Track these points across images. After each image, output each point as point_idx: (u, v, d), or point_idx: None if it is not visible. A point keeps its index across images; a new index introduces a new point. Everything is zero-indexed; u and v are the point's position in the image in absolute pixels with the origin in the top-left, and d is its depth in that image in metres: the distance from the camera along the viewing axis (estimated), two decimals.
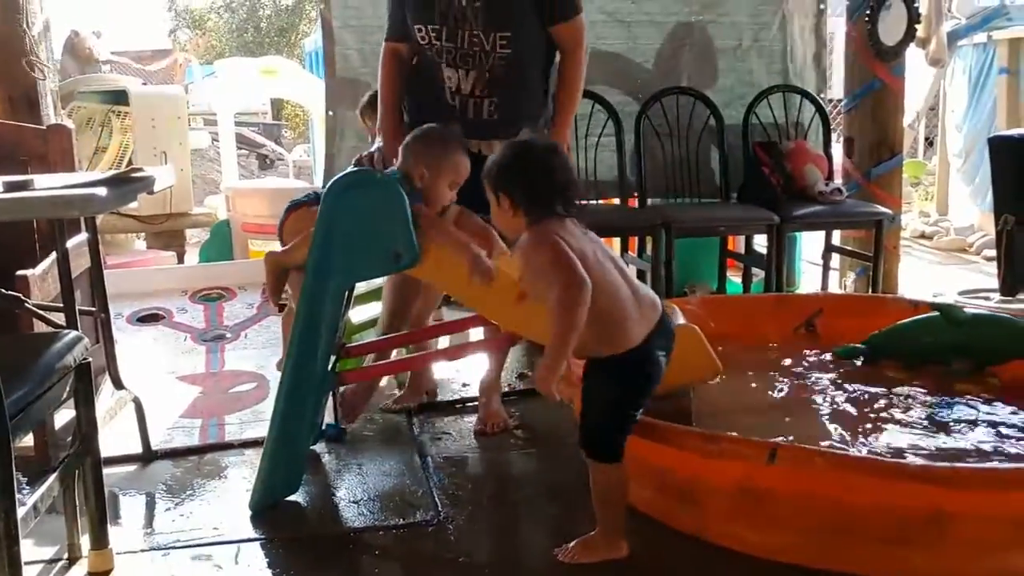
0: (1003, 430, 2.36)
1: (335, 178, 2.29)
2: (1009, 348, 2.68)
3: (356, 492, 2.42)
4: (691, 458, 2.05)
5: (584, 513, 2.32)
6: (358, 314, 3.38)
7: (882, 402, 2.56)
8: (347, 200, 2.19)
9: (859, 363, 2.85)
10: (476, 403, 3.07)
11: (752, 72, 4.12)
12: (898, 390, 2.64)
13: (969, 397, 2.57)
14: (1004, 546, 1.87)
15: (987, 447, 2.26)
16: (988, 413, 2.46)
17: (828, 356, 2.90)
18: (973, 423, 2.40)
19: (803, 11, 4.18)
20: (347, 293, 2.44)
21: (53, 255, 2.54)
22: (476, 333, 3.00)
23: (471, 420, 2.92)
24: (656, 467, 2.17)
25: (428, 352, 3.09)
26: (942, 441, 2.30)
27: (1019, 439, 2.30)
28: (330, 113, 3.95)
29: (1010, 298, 4.05)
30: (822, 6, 4.20)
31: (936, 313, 2.77)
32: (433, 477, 2.49)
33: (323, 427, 2.70)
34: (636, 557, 2.08)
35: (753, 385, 2.72)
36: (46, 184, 2.31)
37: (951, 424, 2.40)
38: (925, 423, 2.41)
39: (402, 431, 2.86)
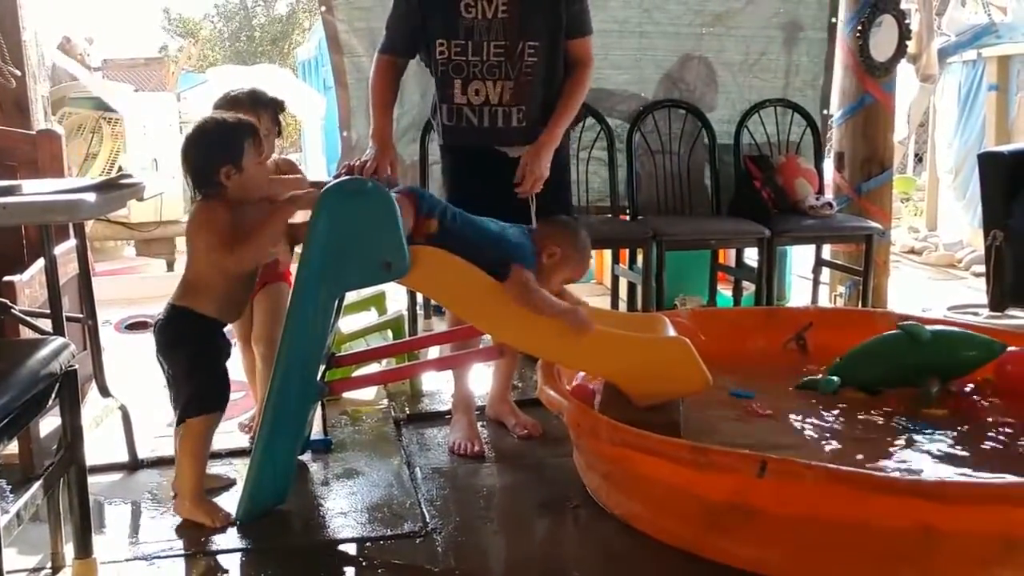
0: (974, 449, 2.35)
1: (326, 186, 2.28)
2: (969, 360, 2.68)
3: (343, 503, 2.41)
4: (680, 470, 2.04)
5: (573, 524, 2.32)
6: (348, 324, 3.37)
7: (858, 423, 2.53)
8: (339, 209, 2.18)
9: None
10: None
11: (752, 88, 4.12)
12: (869, 414, 2.60)
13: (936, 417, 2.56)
14: (993, 561, 1.86)
15: (961, 465, 2.27)
16: (958, 434, 2.45)
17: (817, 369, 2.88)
18: (945, 443, 2.39)
19: (815, 27, 4.17)
20: (337, 302, 2.43)
21: (41, 261, 2.52)
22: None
23: None
24: (646, 479, 2.16)
25: (418, 362, 3.09)
26: (919, 460, 2.29)
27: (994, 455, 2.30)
28: (344, 134, 3.71)
29: (999, 313, 4.06)
30: (833, 20, 4.17)
31: (896, 332, 2.72)
32: (421, 488, 2.48)
33: (311, 437, 2.69)
34: (625, 572, 2.07)
35: (744, 399, 2.71)
36: (34, 190, 2.30)
37: (926, 444, 2.39)
38: (905, 444, 2.40)
39: (390, 442, 2.85)
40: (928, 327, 2.71)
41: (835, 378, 2.73)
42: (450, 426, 2.82)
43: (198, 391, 2.25)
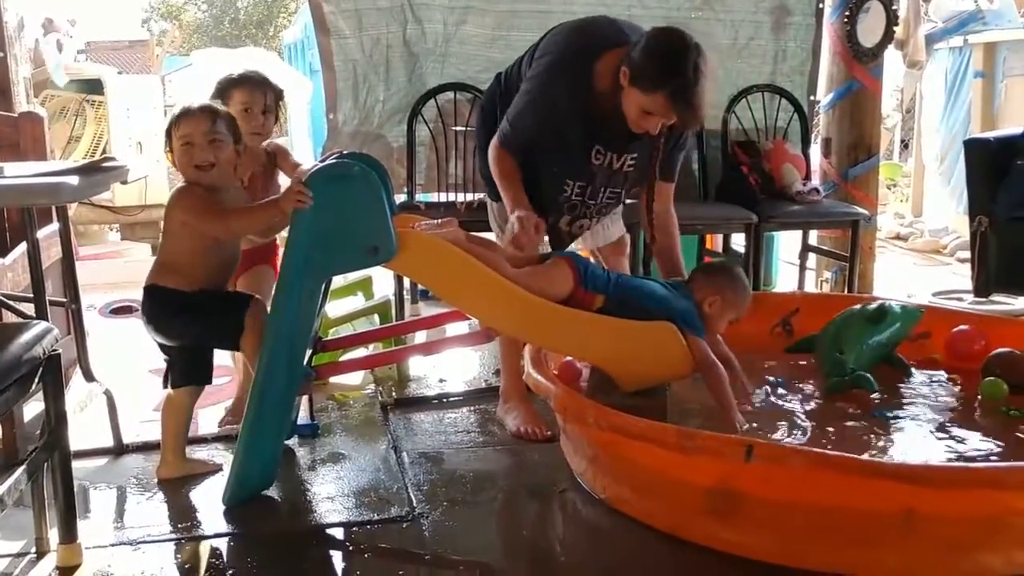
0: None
1: (313, 170, 2.26)
2: (907, 329, 2.73)
3: (330, 488, 2.40)
4: (667, 455, 2.04)
5: (559, 509, 2.32)
6: (335, 308, 3.36)
7: (838, 407, 2.52)
8: (325, 193, 2.17)
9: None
10: (453, 398, 3.08)
11: (740, 74, 4.11)
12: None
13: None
14: (976, 545, 1.88)
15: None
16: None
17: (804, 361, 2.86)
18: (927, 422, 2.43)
19: (803, 12, 4.16)
20: (324, 287, 2.42)
21: (23, 245, 2.50)
22: (453, 328, 2.99)
23: (447, 415, 2.92)
24: (632, 463, 2.17)
25: (405, 347, 3.08)
26: (900, 444, 2.31)
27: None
28: (330, 116, 3.68)
29: (983, 299, 4.09)
30: (821, 6, 4.16)
31: (850, 317, 2.71)
32: (408, 473, 2.48)
33: (297, 422, 2.68)
34: (612, 555, 2.08)
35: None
36: (16, 172, 2.28)
37: (903, 426, 2.40)
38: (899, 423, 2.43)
39: (377, 426, 2.84)
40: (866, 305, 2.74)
41: (869, 376, 2.61)
42: (505, 414, 2.78)
43: (183, 365, 2.39)
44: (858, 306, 2.73)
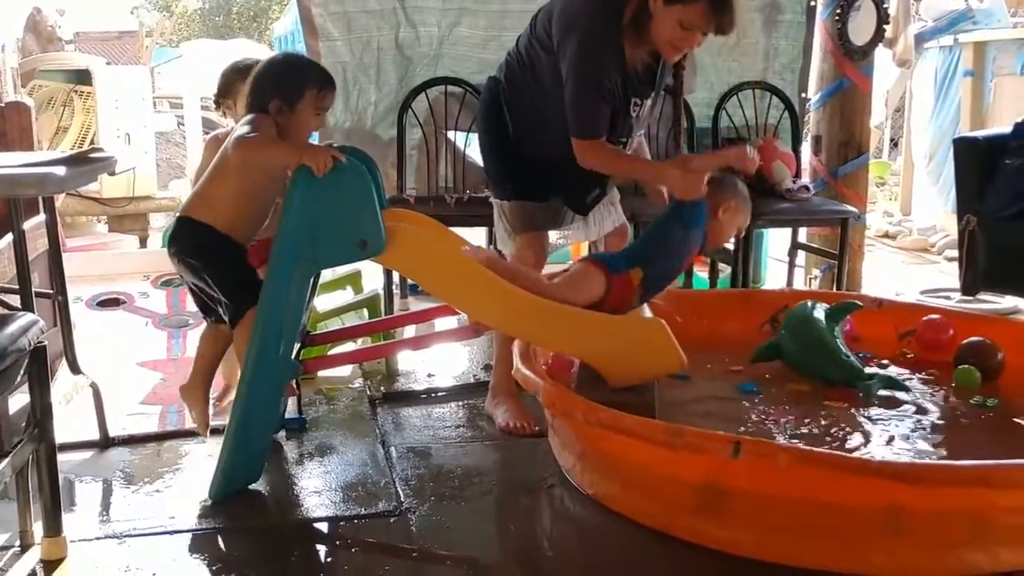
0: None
1: (303, 164, 2.25)
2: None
3: (317, 482, 2.40)
4: (655, 451, 2.04)
5: (547, 504, 2.32)
6: (324, 302, 3.35)
7: (821, 405, 2.51)
8: (315, 186, 2.16)
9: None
10: (441, 393, 3.07)
11: (731, 71, 4.10)
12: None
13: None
14: (962, 543, 1.89)
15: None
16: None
17: None
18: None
19: (794, 10, 4.17)
20: (312, 280, 2.41)
21: (9, 236, 2.48)
22: (442, 323, 2.99)
23: (435, 410, 2.91)
24: (621, 461, 2.17)
25: (394, 341, 3.08)
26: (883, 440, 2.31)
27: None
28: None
29: (971, 298, 4.10)
30: (812, 3, 4.17)
31: (805, 321, 2.71)
32: (396, 467, 2.47)
33: (285, 416, 2.67)
34: (599, 551, 2.08)
35: (717, 381, 2.72)
36: (2, 163, 2.26)
37: (885, 423, 2.41)
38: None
39: (365, 421, 2.84)
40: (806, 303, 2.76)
41: (894, 376, 2.65)
42: (494, 408, 2.77)
43: (206, 297, 2.36)
44: (809, 303, 2.76)
